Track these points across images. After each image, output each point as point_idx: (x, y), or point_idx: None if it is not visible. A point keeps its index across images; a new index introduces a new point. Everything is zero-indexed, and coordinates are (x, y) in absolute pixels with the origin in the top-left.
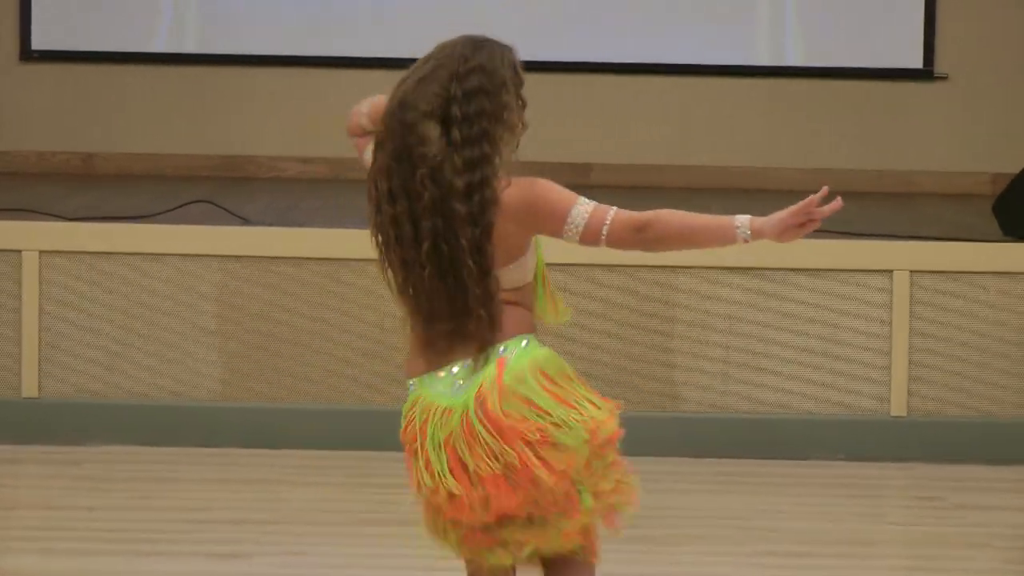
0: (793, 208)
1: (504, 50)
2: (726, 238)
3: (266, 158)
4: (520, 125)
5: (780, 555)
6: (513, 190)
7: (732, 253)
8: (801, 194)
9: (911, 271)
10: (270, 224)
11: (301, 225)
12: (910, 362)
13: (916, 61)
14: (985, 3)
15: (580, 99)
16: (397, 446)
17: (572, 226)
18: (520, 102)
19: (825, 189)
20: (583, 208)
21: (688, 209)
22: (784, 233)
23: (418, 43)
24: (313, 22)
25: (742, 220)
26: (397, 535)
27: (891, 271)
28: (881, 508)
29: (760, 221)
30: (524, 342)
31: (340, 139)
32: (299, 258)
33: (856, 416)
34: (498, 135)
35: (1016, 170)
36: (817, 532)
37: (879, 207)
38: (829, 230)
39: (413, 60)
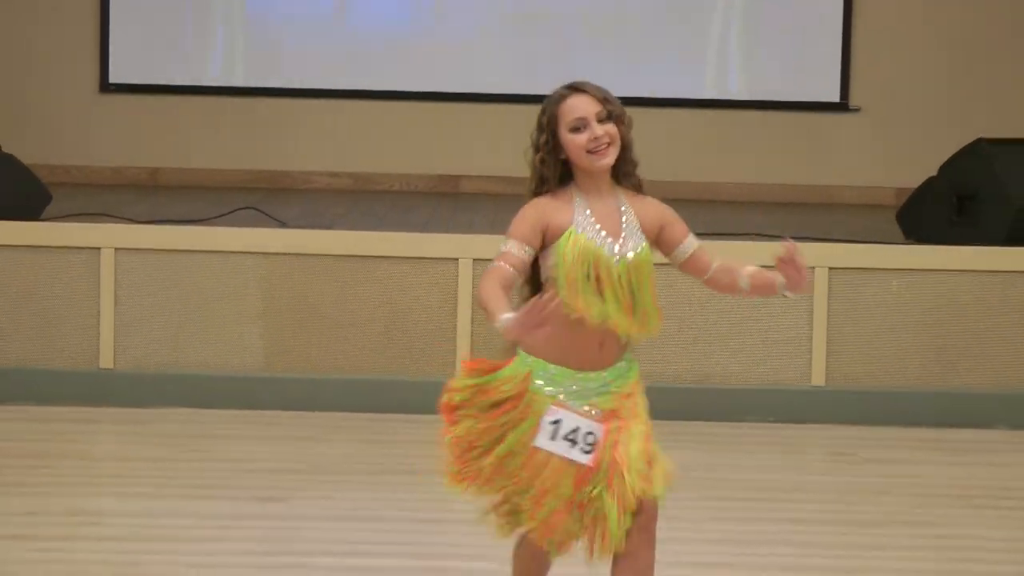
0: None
1: (550, 96)
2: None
3: (300, 172)
4: (539, 160)
5: (725, 500)
6: None
7: None
8: (742, 204)
9: (829, 268)
10: (304, 227)
11: (329, 227)
12: (828, 342)
13: (835, 96)
14: (891, 51)
15: None
16: (410, 410)
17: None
18: (544, 139)
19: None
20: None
21: None
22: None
23: (430, 80)
24: (339, 60)
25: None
26: (410, 484)
27: (813, 268)
28: (805, 462)
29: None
30: None
31: (362, 157)
32: (328, 255)
33: (784, 386)
34: (532, 163)
35: (916, 185)
36: (753, 481)
37: (804, 215)
38: (764, 234)
39: (426, 93)
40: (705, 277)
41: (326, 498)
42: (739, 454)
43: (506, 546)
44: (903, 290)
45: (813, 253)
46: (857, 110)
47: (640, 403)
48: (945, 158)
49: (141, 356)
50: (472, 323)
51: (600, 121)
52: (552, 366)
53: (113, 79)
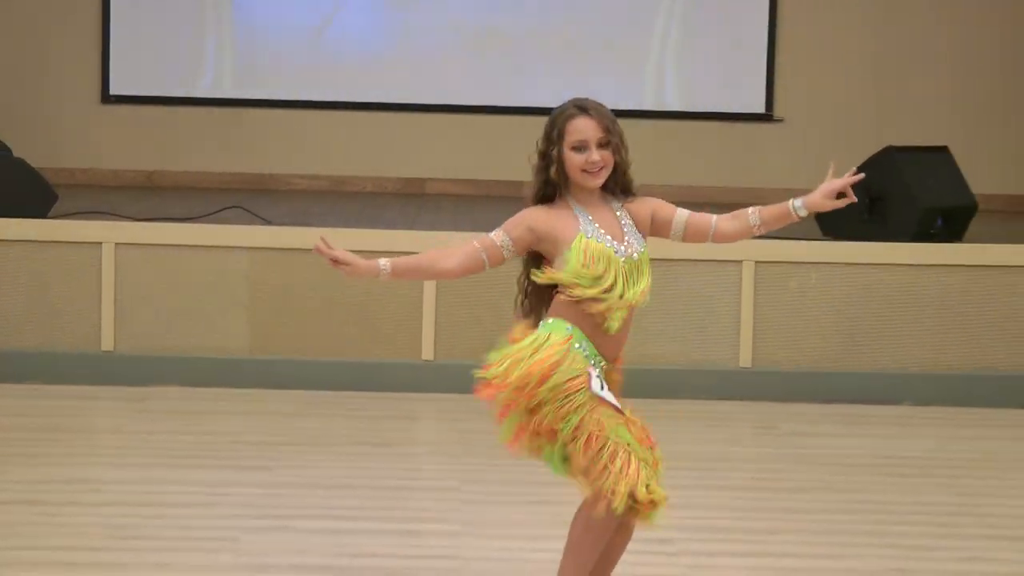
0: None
1: (562, 110)
2: None
3: (282, 175)
4: (546, 167)
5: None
6: None
7: None
8: (678, 204)
9: (756, 261)
10: (286, 224)
11: (309, 225)
12: (754, 328)
13: (760, 108)
14: (810, 68)
15: (514, 133)
16: (380, 388)
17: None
18: (554, 150)
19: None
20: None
21: None
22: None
23: (399, 93)
24: (318, 75)
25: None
26: (382, 454)
27: (741, 261)
28: (734, 435)
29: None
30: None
31: (338, 161)
32: (307, 250)
33: (715, 367)
34: (538, 170)
35: None
36: (687, 452)
37: None
38: None
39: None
40: (710, 238)
41: (306, 467)
42: (675, 427)
43: (467, 510)
44: (821, 281)
45: (741, 249)
46: (780, 120)
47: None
48: (858, 163)
49: (138, 340)
50: (436, 311)
51: (599, 146)
52: (585, 340)
53: (113, 91)
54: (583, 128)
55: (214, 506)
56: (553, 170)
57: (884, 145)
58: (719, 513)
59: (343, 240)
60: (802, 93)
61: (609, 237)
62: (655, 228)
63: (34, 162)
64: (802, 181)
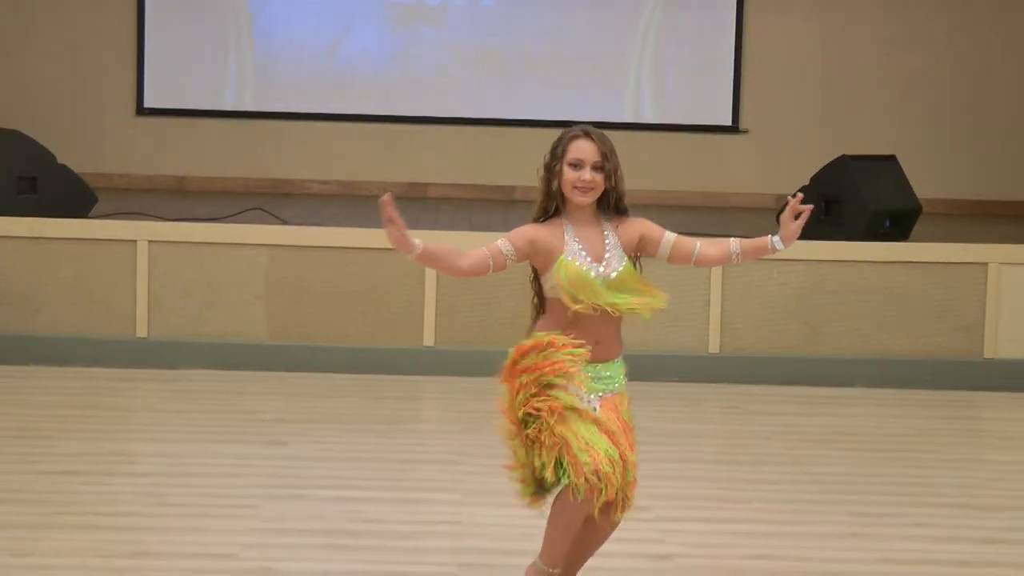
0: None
1: (570, 131)
2: None
3: (298, 180)
4: (545, 180)
5: (639, 443)
6: None
7: None
8: (654, 208)
9: None
10: (302, 224)
11: (321, 224)
12: (722, 318)
13: (727, 120)
14: (773, 85)
15: (507, 142)
16: (387, 371)
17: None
18: (556, 166)
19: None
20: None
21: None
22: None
23: (402, 106)
24: (330, 90)
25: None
26: (389, 431)
27: None
28: (703, 414)
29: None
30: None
31: (348, 168)
32: (321, 247)
33: (687, 353)
34: (544, 182)
35: (791, 192)
36: (661, 430)
37: (703, 216)
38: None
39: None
40: (692, 261)
41: (321, 443)
42: (651, 407)
43: (466, 480)
44: (783, 276)
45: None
46: (745, 132)
47: (624, 403)
48: (815, 171)
49: (169, 327)
50: (436, 302)
51: (594, 168)
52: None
53: (147, 104)
54: (583, 149)
55: (238, 476)
56: (555, 184)
57: (838, 154)
58: (691, 483)
59: (354, 238)
60: (765, 107)
61: (589, 259)
62: (643, 247)
63: (76, 168)
64: (763, 186)
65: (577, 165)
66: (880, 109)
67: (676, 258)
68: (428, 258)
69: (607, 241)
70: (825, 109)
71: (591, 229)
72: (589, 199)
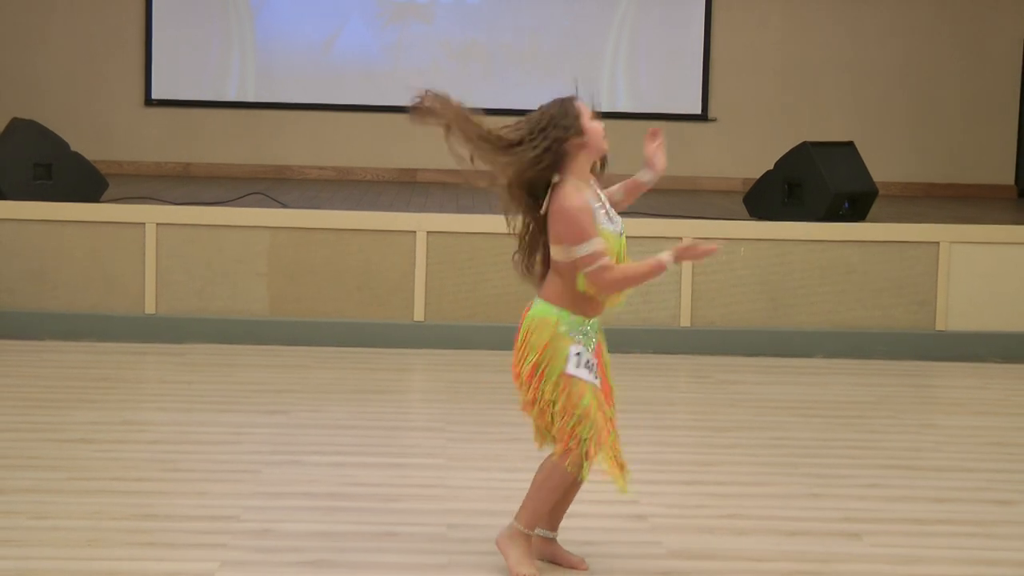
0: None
1: (563, 99)
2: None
3: (297, 166)
4: (561, 141)
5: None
6: None
7: None
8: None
9: (694, 238)
10: (300, 207)
11: (319, 208)
12: (693, 293)
13: (697, 109)
14: (739, 76)
15: None
16: (379, 344)
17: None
18: (572, 124)
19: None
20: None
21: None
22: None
23: (394, 96)
24: (326, 82)
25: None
26: (381, 400)
27: (680, 238)
28: (675, 383)
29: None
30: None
31: (343, 154)
32: (318, 228)
33: (660, 326)
34: (545, 145)
35: (757, 177)
36: (636, 398)
37: (674, 199)
38: (646, 213)
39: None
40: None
41: (317, 411)
42: (627, 377)
43: (452, 447)
44: (749, 255)
45: (683, 228)
46: (714, 120)
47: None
48: (779, 156)
49: (176, 304)
50: (426, 279)
51: None
52: (572, 315)
53: (155, 96)
54: (587, 107)
55: (240, 443)
56: (571, 143)
57: (800, 141)
58: (663, 448)
59: (349, 220)
60: (732, 97)
61: (607, 215)
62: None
63: (88, 155)
64: (730, 171)
65: (597, 118)
66: (839, 98)
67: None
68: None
69: (602, 197)
70: (788, 99)
71: (594, 188)
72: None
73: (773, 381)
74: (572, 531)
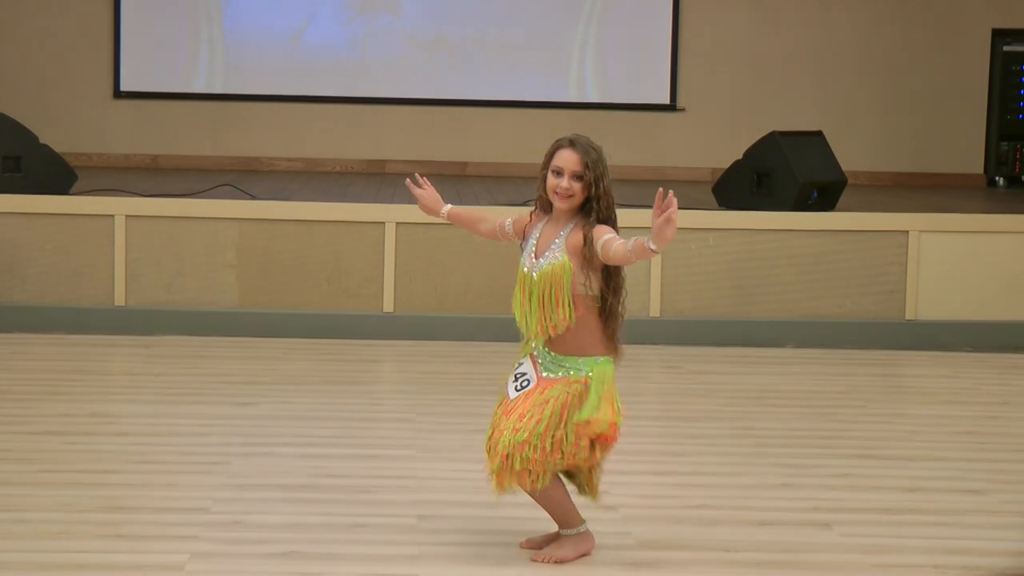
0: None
1: (559, 140)
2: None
3: (266, 158)
4: (540, 186)
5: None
6: None
7: None
8: None
9: (654, 219)
10: (269, 199)
11: (287, 199)
12: (662, 283)
13: (665, 99)
14: (707, 66)
15: (459, 121)
16: (348, 336)
17: None
18: (542, 167)
19: (660, 190)
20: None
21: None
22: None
23: (362, 88)
24: (294, 74)
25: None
26: (350, 391)
27: (650, 228)
28: (645, 373)
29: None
30: None
31: (312, 146)
32: (287, 220)
33: (629, 316)
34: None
35: (726, 166)
36: None
37: (643, 190)
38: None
39: (359, 98)
40: (610, 257)
41: (287, 403)
42: None
43: (421, 438)
44: (718, 244)
45: (649, 218)
46: (683, 110)
47: (572, 393)
48: (747, 146)
49: (146, 296)
50: (395, 271)
51: (573, 177)
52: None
53: (123, 88)
54: (564, 158)
55: (210, 435)
56: (541, 186)
57: (769, 130)
58: (634, 438)
59: (318, 212)
60: (700, 87)
61: (532, 253)
62: (591, 256)
63: (57, 148)
64: (699, 161)
65: (558, 172)
66: (807, 89)
67: (604, 255)
68: (455, 219)
69: (555, 241)
70: (756, 89)
71: (555, 228)
72: (566, 205)
73: (743, 371)
74: (542, 522)
